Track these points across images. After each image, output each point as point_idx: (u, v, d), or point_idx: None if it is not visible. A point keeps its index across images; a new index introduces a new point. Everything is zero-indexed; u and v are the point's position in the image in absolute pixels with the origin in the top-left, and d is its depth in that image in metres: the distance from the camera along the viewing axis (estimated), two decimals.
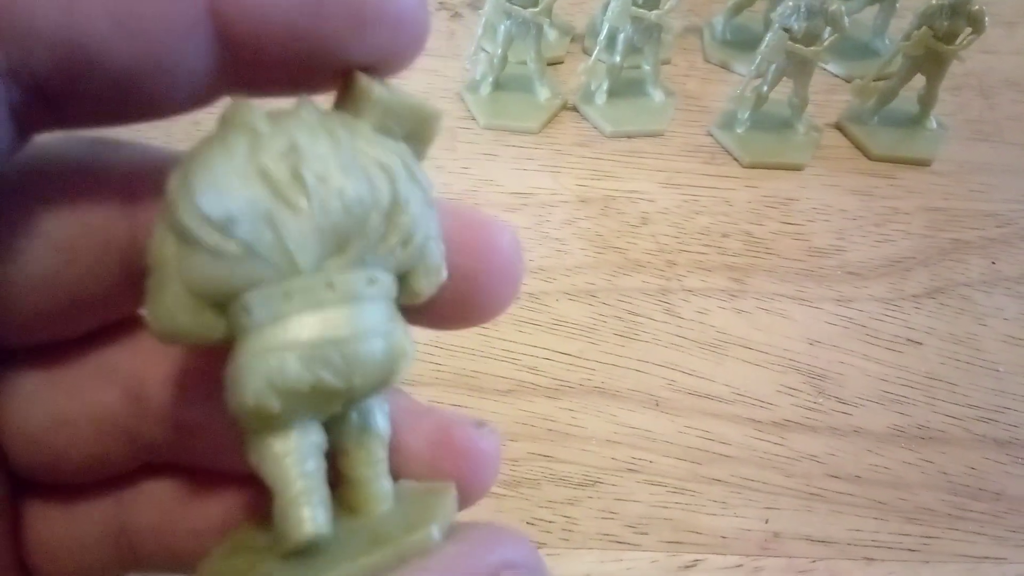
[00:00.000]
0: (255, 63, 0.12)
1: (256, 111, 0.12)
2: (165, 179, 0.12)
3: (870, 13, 0.46)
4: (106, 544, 0.15)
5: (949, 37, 0.38)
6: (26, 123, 0.12)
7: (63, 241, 0.13)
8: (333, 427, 0.13)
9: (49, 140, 0.13)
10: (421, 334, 0.34)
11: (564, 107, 0.41)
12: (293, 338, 0.12)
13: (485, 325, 0.33)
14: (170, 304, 0.12)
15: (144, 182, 0.13)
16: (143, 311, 0.13)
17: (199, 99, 0.12)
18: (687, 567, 0.26)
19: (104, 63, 0.11)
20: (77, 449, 0.14)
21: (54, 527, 0.15)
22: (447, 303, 0.14)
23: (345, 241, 0.12)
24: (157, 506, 0.16)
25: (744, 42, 0.45)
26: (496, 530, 0.13)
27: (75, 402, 0.14)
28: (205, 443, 0.15)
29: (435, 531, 0.13)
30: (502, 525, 0.13)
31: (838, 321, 0.33)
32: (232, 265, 0.11)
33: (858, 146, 0.41)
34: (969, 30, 0.38)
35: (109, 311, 0.14)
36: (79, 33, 0.11)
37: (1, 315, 0.13)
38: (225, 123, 0.12)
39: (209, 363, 0.14)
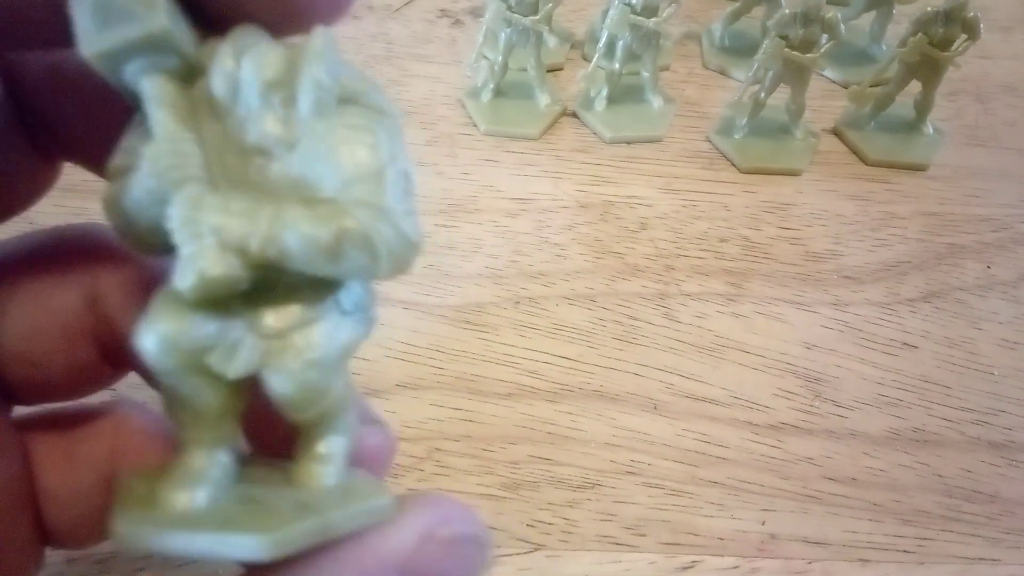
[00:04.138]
0: None
1: None
2: None
3: (867, 19, 0.47)
4: (101, 491, 0.16)
5: (944, 44, 0.38)
6: (42, 146, 0.12)
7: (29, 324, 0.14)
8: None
9: None
10: (422, 340, 0.34)
11: (564, 113, 0.42)
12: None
13: (486, 331, 0.33)
14: None
15: None
16: None
17: None
18: (684, 568, 0.26)
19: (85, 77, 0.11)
20: (53, 357, 0.15)
21: (55, 473, 0.16)
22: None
23: None
24: (139, 449, 0.16)
25: (742, 48, 0.45)
26: (432, 497, 0.14)
27: (42, 310, 0.15)
28: None
29: (386, 499, 0.13)
30: (440, 495, 0.14)
31: (834, 325, 0.33)
32: None
33: (855, 151, 0.41)
34: (964, 36, 0.38)
35: (93, 376, 0.16)
36: None
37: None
38: None
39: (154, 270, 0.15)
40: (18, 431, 0.16)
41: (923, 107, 0.41)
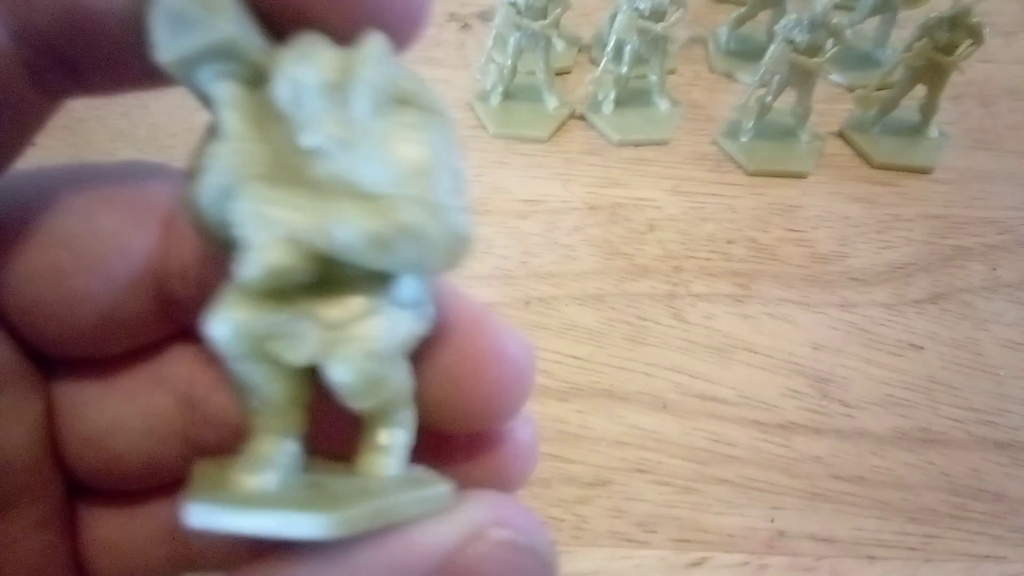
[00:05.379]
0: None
1: None
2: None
3: (872, 24, 0.47)
4: (161, 542, 0.15)
5: (949, 48, 0.39)
6: (47, 84, 0.12)
7: (97, 259, 0.13)
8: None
9: (75, 164, 0.14)
10: None
11: (572, 116, 0.42)
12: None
13: None
14: None
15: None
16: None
17: None
18: (694, 564, 0.27)
19: (105, 19, 0.11)
20: (133, 453, 0.15)
21: (110, 526, 0.15)
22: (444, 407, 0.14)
23: None
24: None
25: (749, 52, 0.46)
26: (494, 495, 0.13)
27: (130, 407, 0.15)
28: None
29: (444, 489, 0.13)
30: (505, 496, 0.13)
31: (841, 326, 0.34)
32: None
33: (861, 154, 0.41)
34: (969, 41, 0.38)
35: (146, 333, 0.14)
36: None
37: (42, 330, 0.13)
38: None
39: None
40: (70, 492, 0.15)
41: (928, 111, 0.41)
